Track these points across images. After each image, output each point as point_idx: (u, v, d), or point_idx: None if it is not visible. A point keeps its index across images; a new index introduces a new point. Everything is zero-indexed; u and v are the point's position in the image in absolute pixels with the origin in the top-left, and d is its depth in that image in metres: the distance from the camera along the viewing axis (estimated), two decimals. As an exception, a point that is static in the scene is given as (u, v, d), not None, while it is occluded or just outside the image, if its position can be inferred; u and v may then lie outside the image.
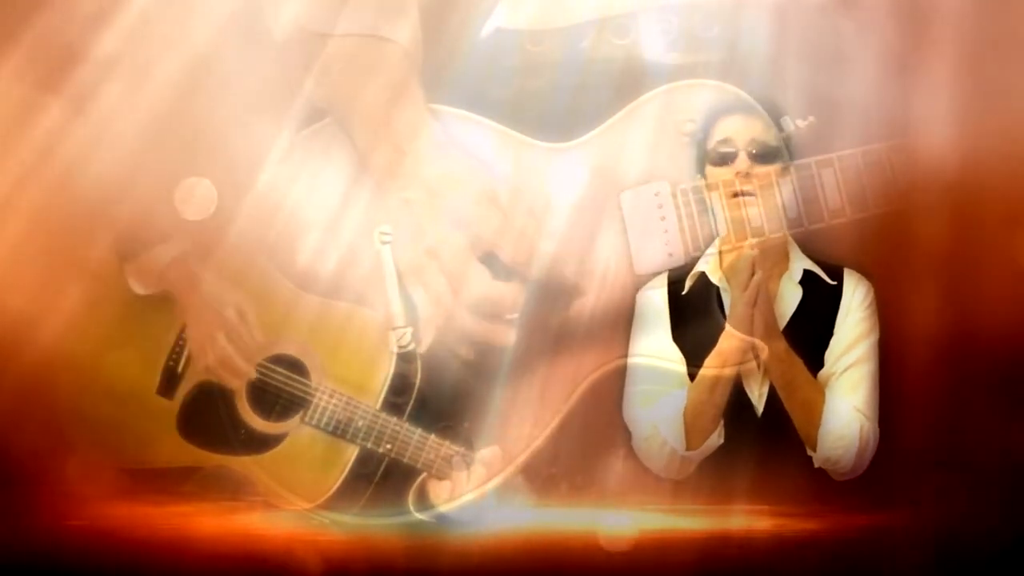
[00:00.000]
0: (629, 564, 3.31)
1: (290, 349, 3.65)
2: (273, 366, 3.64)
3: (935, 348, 3.45)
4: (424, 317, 3.62)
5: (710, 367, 3.46)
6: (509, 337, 3.60)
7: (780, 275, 3.54)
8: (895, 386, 3.49)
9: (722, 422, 3.48)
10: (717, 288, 3.54)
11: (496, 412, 3.58)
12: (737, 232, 3.49)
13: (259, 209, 3.59)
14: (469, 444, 3.59)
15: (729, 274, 3.48)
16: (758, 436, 3.49)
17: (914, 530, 3.39)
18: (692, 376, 3.49)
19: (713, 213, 3.53)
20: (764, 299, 3.41)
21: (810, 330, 3.49)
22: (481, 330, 3.61)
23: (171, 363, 3.64)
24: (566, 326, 3.60)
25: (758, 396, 3.50)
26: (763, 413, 3.50)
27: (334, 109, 3.64)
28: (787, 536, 3.41)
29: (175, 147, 3.55)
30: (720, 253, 3.55)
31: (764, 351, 3.41)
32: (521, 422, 3.58)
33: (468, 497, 3.57)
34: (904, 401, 3.48)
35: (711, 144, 3.51)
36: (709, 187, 3.52)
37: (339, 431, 3.60)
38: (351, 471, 3.60)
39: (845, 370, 3.49)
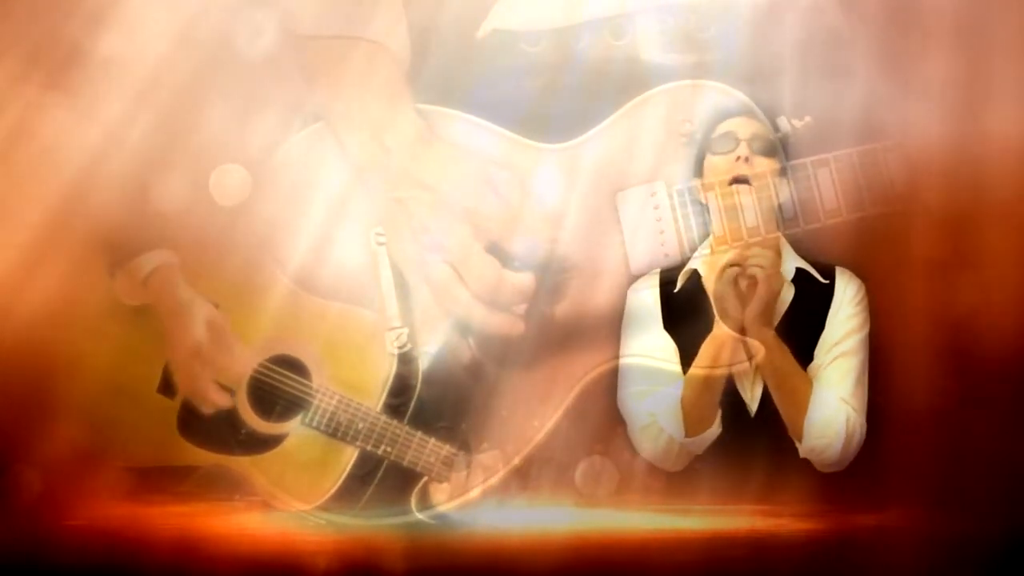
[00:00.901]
0: (630, 564, 3.30)
1: (292, 350, 3.65)
2: (274, 367, 3.64)
3: (933, 348, 3.45)
4: (424, 316, 3.63)
5: (701, 367, 3.47)
6: (518, 327, 3.61)
7: None
8: (893, 386, 3.49)
9: (720, 412, 3.49)
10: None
11: (495, 412, 3.58)
12: (732, 231, 3.50)
13: (258, 211, 3.60)
14: (468, 444, 3.60)
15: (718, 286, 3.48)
16: (757, 436, 3.50)
17: (914, 530, 3.38)
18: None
19: (709, 213, 3.53)
20: (765, 288, 3.42)
21: (802, 327, 3.49)
22: (494, 320, 3.61)
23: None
24: (563, 326, 3.61)
25: (751, 397, 3.50)
26: (756, 413, 3.51)
27: (323, 111, 3.65)
28: (787, 536, 3.40)
29: (168, 149, 3.56)
30: (712, 252, 3.55)
31: (759, 351, 3.41)
32: (519, 421, 3.58)
33: (467, 498, 3.57)
34: (902, 401, 3.47)
35: (712, 137, 3.53)
36: (705, 187, 3.52)
37: (339, 433, 3.61)
38: (351, 472, 3.61)
39: (833, 361, 3.49)
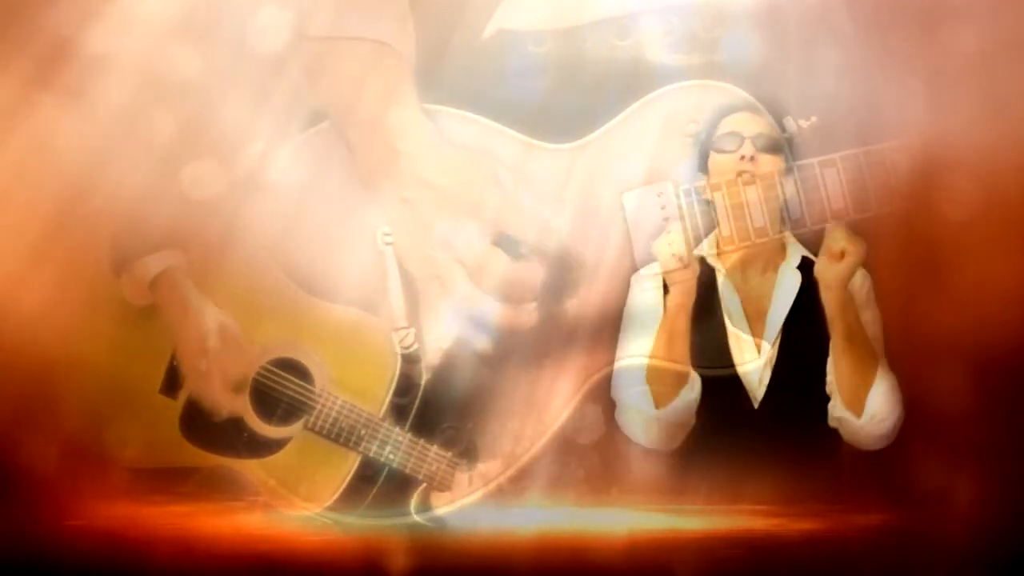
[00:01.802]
0: (630, 564, 3.30)
1: (295, 353, 3.65)
2: (277, 370, 3.63)
3: (936, 349, 3.46)
4: (431, 315, 3.63)
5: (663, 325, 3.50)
6: (531, 319, 3.60)
7: (778, 264, 3.57)
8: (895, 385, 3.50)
9: (694, 375, 3.49)
10: (715, 279, 3.57)
11: (501, 412, 3.58)
12: (739, 230, 3.51)
13: (262, 212, 3.59)
14: (473, 445, 3.59)
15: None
16: (759, 435, 3.51)
17: (914, 530, 3.39)
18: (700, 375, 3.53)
19: (716, 212, 3.54)
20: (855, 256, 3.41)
21: (812, 312, 3.48)
22: (506, 315, 3.60)
23: (174, 362, 3.64)
24: (569, 327, 3.60)
25: (758, 382, 3.52)
26: (761, 403, 3.52)
27: (330, 112, 3.65)
28: (787, 536, 3.41)
29: (173, 149, 3.56)
30: (719, 251, 3.57)
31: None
32: (524, 422, 3.58)
33: (468, 500, 3.57)
34: (904, 400, 3.48)
35: (717, 135, 3.54)
36: (712, 186, 3.52)
37: (341, 438, 3.60)
38: (354, 476, 3.61)
39: None
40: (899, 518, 3.45)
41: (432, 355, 3.63)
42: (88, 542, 3.40)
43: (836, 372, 3.46)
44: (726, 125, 3.53)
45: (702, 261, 3.56)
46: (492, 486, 3.58)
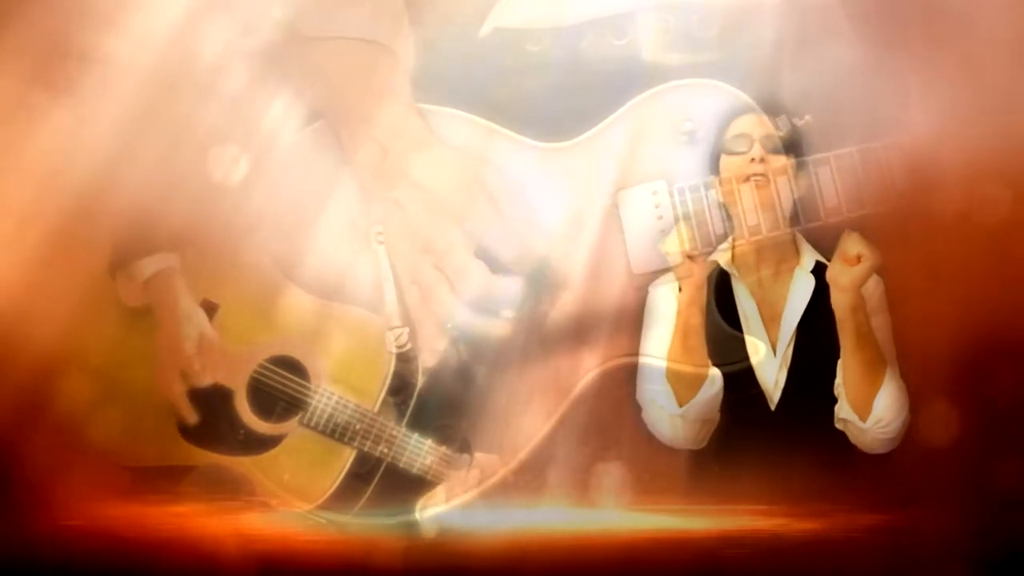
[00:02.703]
0: (630, 564, 3.29)
1: (291, 351, 3.65)
2: (273, 367, 3.64)
3: (935, 349, 3.44)
4: (417, 316, 3.63)
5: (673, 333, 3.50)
6: (504, 330, 3.60)
7: (792, 268, 3.58)
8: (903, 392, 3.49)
9: (714, 370, 3.49)
10: (729, 280, 3.58)
11: (494, 411, 3.58)
12: (750, 229, 3.52)
13: (258, 211, 3.60)
14: (467, 444, 3.59)
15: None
16: (771, 436, 3.50)
17: (914, 530, 3.38)
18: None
19: (711, 212, 3.54)
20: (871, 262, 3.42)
21: (827, 317, 3.47)
22: (479, 324, 3.61)
23: (171, 363, 3.65)
24: (563, 325, 3.61)
25: (774, 384, 3.53)
26: (778, 403, 3.53)
27: (323, 111, 3.65)
28: (787, 536, 3.41)
29: (169, 149, 3.56)
30: (733, 248, 3.58)
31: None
32: (519, 422, 3.58)
33: (465, 500, 3.57)
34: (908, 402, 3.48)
35: (727, 137, 3.54)
36: (722, 182, 3.53)
37: (336, 434, 3.61)
38: (349, 472, 3.61)
39: None
40: (899, 518, 3.43)
41: (425, 355, 3.63)
42: (86, 542, 3.41)
43: (844, 375, 3.46)
44: (736, 127, 3.54)
45: (718, 268, 3.57)
46: (487, 485, 3.58)
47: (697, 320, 3.48)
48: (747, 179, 3.49)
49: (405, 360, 3.61)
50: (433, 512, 3.59)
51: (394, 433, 3.59)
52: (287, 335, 3.66)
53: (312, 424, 3.61)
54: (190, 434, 3.63)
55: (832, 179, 3.47)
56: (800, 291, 3.55)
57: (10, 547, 3.32)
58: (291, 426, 3.62)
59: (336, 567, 3.36)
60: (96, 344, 3.62)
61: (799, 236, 3.57)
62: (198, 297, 3.66)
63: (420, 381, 3.62)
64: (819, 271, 3.52)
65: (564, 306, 3.61)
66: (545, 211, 3.62)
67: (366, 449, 3.60)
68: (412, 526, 3.58)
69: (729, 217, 3.54)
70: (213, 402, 3.64)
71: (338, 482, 3.61)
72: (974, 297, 3.43)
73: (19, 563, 3.28)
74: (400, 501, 3.60)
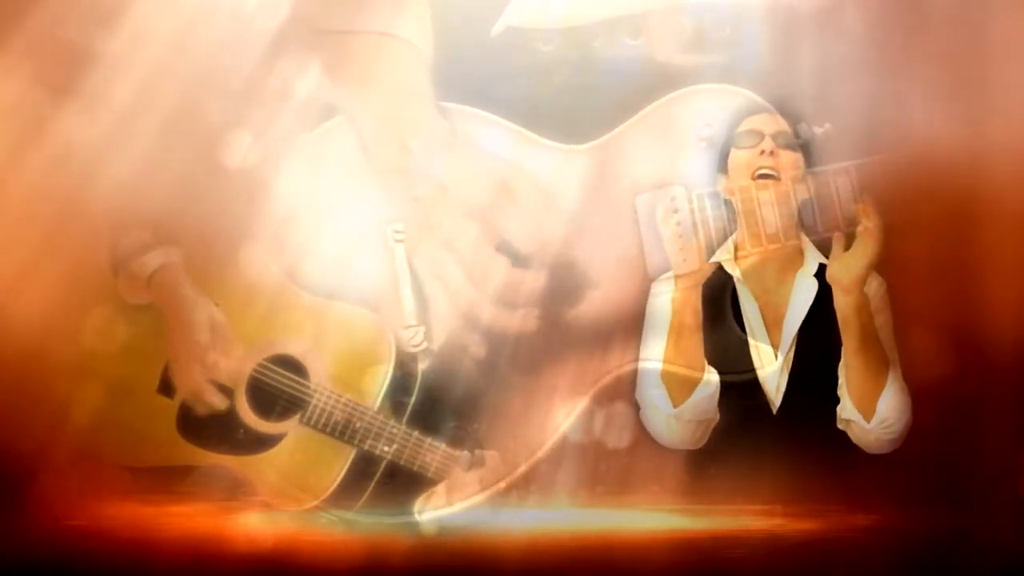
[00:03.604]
0: (630, 564, 3.30)
1: (291, 350, 3.63)
2: (273, 367, 3.62)
3: (938, 352, 3.46)
4: (435, 314, 3.61)
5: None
6: (529, 325, 3.59)
7: (796, 271, 3.57)
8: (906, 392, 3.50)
9: (709, 370, 3.49)
10: (733, 284, 3.56)
11: (506, 413, 3.57)
12: (755, 233, 3.51)
13: (265, 208, 3.58)
14: (473, 443, 3.58)
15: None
16: (771, 438, 3.51)
17: (914, 530, 3.40)
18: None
19: (733, 212, 3.53)
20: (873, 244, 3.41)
21: (828, 319, 3.48)
22: (501, 319, 3.59)
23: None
24: (579, 328, 3.60)
25: (775, 389, 3.52)
26: (779, 405, 3.53)
27: (343, 106, 3.62)
28: (787, 536, 3.42)
29: (176, 145, 3.53)
30: (736, 255, 3.56)
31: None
32: (532, 423, 3.57)
33: (468, 499, 3.56)
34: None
35: (737, 133, 3.54)
36: (729, 190, 3.51)
37: (337, 432, 3.59)
38: (350, 470, 3.59)
39: None
40: (898, 518, 3.45)
41: (437, 354, 3.62)
42: (86, 542, 3.39)
43: (848, 375, 3.47)
44: (746, 124, 3.54)
45: (719, 266, 3.56)
46: (498, 488, 3.57)
47: (691, 320, 3.48)
48: (755, 174, 3.48)
49: (413, 360, 3.60)
50: (435, 511, 3.58)
51: (395, 431, 3.58)
52: (286, 334, 3.63)
53: (312, 423, 3.59)
54: (190, 434, 3.61)
55: (851, 189, 3.46)
56: (803, 295, 3.55)
57: (10, 547, 3.30)
58: (291, 425, 3.60)
59: (336, 567, 3.34)
60: (96, 344, 3.58)
61: (804, 238, 3.56)
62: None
63: (428, 380, 3.61)
64: (822, 273, 3.52)
65: (583, 307, 3.60)
66: (565, 213, 3.61)
67: (366, 447, 3.58)
68: (413, 525, 3.57)
69: (734, 218, 3.53)
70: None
71: (339, 480, 3.59)
72: (975, 297, 3.44)
73: (19, 563, 3.26)
74: (401, 500, 3.59)
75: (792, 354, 3.54)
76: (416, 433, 3.58)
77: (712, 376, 3.49)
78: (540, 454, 3.57)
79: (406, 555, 3.39)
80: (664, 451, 3.57)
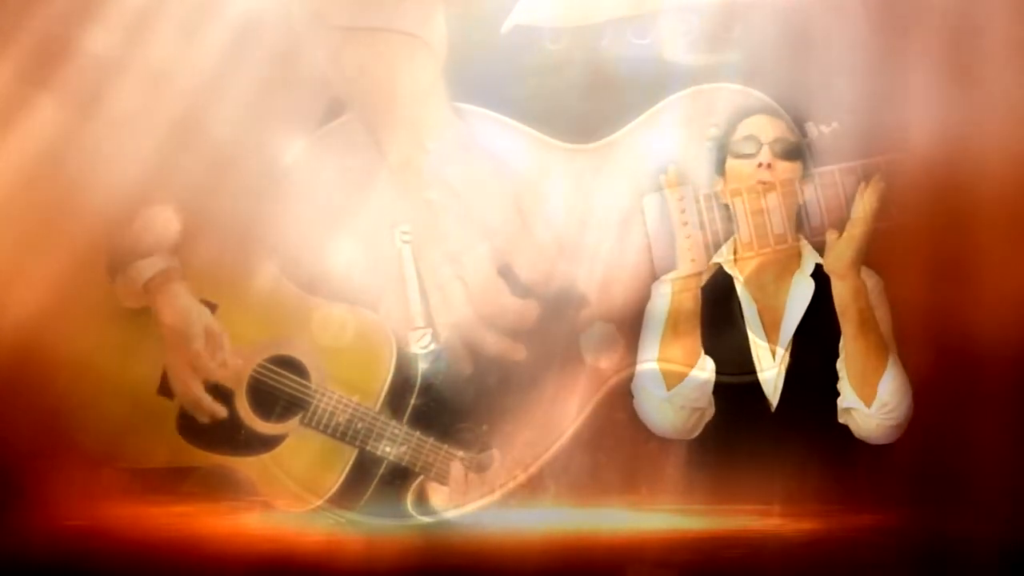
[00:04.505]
0: (630, 564, 3.29)
1: (292, 351, 3.62)
2: (274, 368, 3.61)
3: (936, 352, 3.47)
4: (435, 318, 3.61)
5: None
6: (519, 354, 3.61)
7: (792, 272, 3.56)
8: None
9: (705, 356, 3.48)
10: (733, 284, 3.56)
11: (513, 415, 3.57)
12: (758, 238, 3.49)
13: (268, 207, 3.57)
14: (481, 447, 3.57)
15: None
16: (764, 435, 3.50)
17: (914, 530, 3.40)
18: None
19: (735, 219, 3.52)
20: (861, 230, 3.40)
21: (825, 319, 3.47)
22: (492, 343, 3.62)
23: (169, 364, 3.63)
24: (585, 331, 3.60)
25: (773, 389, 3.52)
26: (777, 404, 3.52)
27: (356, 104, 3.61)
28: (787, 536, 3.41)
29: (181, 145, 3.53)
30: (737, 257, 3.56)
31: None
32: (539, 425, 3.57)
33: (470, 500, 3.55)
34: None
35: (734, 139, 3.51)
36: (731, 192, 3.50)
37: (338, 433, 3.58)
38: (351, 470, 3.59)
39: None
40: (899, 518, 3.45)
41: (440, 356, 3.63)
42: (86, 542, 3.38)
43: (847, 362, 3.46)
44: (744, 128, 3.51)
45: (719, 268, 3.56)
46: (506, 489, 3.56)
47: (690, 305, 3.47)
48: (755, 183, 3.48)
49: (411, 360, 3.59)
50: (437, 512, 3.57)
51: (396, 432, 3.57)
52: (290, 335, 3.63)
53: (313, 423, 3.59)
54: (190, 434, 3.61)
55: (858, 189, 3.45)
56: (800, 296, 3.54)
57: (10, 547, 3.28)
58: (291, 426, 3.60)
59: (337, 567, 3.32)
60: (96, 344, 3.58)
61: (802, 239, 3.55)
62: (196, 297, 3.62)
63: (430, 381, 3.61)
64: (818, 274, 3.51)
65: (588, 310, 3.61)
66: (571, 212, 3.61)
67: (368, 448, 3.57)
68: (415, 525, 3.56)
69: (736, 222, 3.53)
70: (213, 402, 3.62)
71: (339, 482, 3.58)
72: (975, 296, 3.45)
73: (19, 563, 3.24)
74: (402, 500, 3.58)
75: (789, 354, 3.53)
76: (418, 434, 3.58)
77: (708, 362, 3.48)
78: (545, 456, 3.56)
79: (407, 555, 3.36)
80: (665, 451, 3.55)
